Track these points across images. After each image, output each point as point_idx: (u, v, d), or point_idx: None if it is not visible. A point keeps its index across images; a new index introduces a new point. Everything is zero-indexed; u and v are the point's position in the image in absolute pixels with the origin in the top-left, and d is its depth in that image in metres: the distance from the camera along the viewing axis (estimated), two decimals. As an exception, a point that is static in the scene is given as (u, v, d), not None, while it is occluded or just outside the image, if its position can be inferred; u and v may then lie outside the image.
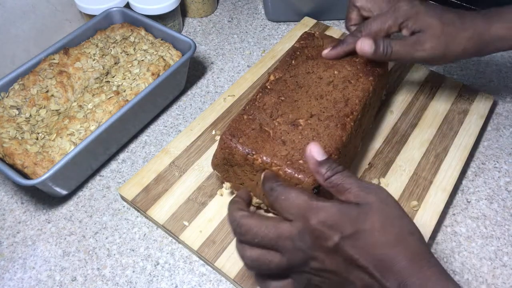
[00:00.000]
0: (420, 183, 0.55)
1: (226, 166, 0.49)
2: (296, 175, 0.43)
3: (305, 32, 0.58)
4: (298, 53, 0.54)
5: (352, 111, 0.48)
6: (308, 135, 0.46)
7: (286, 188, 0.37)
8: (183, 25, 0.81)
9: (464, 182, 0.58)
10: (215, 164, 0.50)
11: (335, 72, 0.52)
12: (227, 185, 0.51)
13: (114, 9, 0.69)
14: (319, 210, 0.34)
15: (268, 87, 0.51)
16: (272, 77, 0.52)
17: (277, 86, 0.51)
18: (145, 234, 0.53)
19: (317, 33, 0.58)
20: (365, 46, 0.50)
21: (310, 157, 0.38)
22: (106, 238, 0.53)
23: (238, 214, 0.37)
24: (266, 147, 0.45)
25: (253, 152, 0.45)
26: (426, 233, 0.50)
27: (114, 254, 0.51)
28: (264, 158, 0.44)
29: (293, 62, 0.53)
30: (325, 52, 0.54)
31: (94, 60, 0.62)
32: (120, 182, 0.58)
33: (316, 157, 0.37)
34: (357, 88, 0.51)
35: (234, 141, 0.46)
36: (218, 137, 0.60)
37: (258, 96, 0.50)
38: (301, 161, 0.44)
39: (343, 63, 0.53)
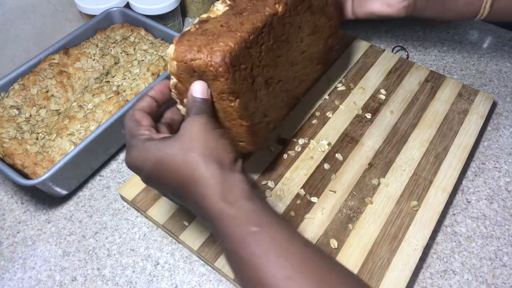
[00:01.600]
0: (420, 183, 0.55)
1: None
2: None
3: None
4: None
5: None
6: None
7: (126, 121, 0.40)
8: (183, 25, 0.81)
9: (464, 182, 0.58)
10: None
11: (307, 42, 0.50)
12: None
13: (114, 9, 0.69)
14: (129, 151, 0.38)
15: (275, 22, 0.45)
16: (280, 7, 0.45)
17: (279, 27, 0.46)
18: (145, 234, 0.53)
19: None
20: None
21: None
22: (106, 238, 0.53)
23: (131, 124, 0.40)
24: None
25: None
26: (426, 233, 0.50)
27: (114, 254, 0.51)
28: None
29: (299, 7, 0.48)
30: None
31: (94, 60, 0.62)
32: (120, 182, 0.58)
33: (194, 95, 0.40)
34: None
35: (231, 70, 0.41)
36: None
37: (265, 30, 0.44)
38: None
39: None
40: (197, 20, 0.43)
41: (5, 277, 0.50)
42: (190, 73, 0.41)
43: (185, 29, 0.42)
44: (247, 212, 0.34)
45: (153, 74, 0.61)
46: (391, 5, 0.55)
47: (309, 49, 0.49)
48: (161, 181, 0.37)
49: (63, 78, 0.59)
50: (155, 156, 0.36)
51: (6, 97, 0.57)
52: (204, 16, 0.43)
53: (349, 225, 0.51)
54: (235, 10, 0.44)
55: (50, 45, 0.63)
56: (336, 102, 0.64)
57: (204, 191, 0.34)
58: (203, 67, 0.40)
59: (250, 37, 0.42)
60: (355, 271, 0.48)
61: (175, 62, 0.41)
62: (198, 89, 0.40)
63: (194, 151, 0.35)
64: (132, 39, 0.66)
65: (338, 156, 0.57)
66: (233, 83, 0.41)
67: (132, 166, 0.39)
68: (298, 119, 0.62)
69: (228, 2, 0.44)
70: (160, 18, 0.73)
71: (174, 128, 0.44)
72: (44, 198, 0.57)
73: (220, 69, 0.40)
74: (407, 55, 0.75)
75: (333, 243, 0.49)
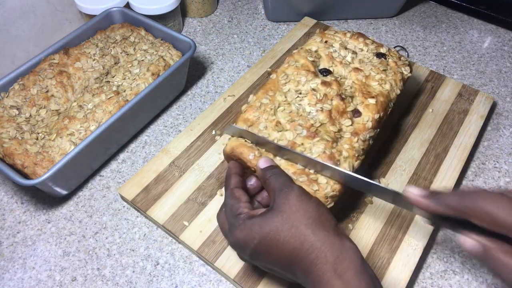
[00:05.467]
0: (420, 183, 0.55)
1: None
2: None
3: None
4: None
5: None
6: None
7: (227, 199, 0.42)
8: (183, 25, 0.81)
9: (464, 182, 0.58)
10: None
11: None
12: None
13: (114, 9, 0.69)
14: (233, 231, 0.39)
15: None
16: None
17: None
18: (145, 234, 0.53)
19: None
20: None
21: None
22: (106, 238, 0.53)
23: (232, 183, 0.44)
24: None
25: None
26: (426, 233, 0.50)
27: (114, 254, 0.51)
28: None
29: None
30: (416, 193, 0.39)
31: (94, 60, 0.62)
32: (120, 182, 0.58)
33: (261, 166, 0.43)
34: None
35: None
36: (218, 137, 0.60)
37: None
38: None
39: None
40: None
41: (5, 277, 0.50)
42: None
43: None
44: None
45: (153, 74, 0.61)
46: None
47: None
48: (268, 256, 0.38)
49: (63, 78, 0.59)
50: (260, 234, 0.37)
51: (6, 97, 0.57)
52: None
53: (349, 225, 0.51)
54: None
55: (50, 45, 0.63)
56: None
57: (315, 260, 0.35)
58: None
59: None
60: (355, 271, 0.48)
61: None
62: (262, 161, 0.43)
63: (299, 223, 0.37)
64: (132, 39, 0.66)
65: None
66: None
67: (237, 245, 0.40)
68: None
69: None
70: (160, 18, 0.73)
71: (252, 192, 0.45)
72: (44, 198, 0.57)
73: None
74: (407, 55, 0.75)
75: (333, 243, 0.49)
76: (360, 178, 0.43)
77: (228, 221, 0.41)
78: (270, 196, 0.41)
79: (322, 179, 0.45)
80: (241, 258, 0.42)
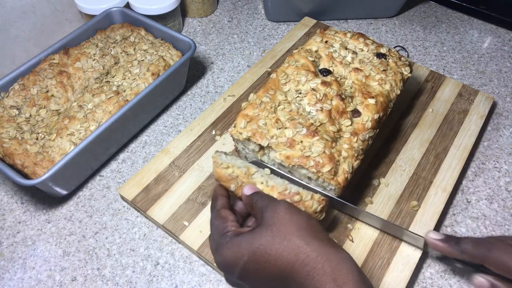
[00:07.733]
0: (420, 183, 0.55)
1: None
2: None
3: None
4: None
5: None
6: None
7: (213, 220, 0.42)
8: (183, 25, 0.81)
9: (464, 182, 0.58)
10: None
11: None
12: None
13: (114, 9, 0.69)
14: (220, 250, 0.38)
15: None
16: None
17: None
18: (145, 234, 0.53)
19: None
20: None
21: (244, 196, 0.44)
22: (106, 238, 0.53)
23: (218, 204, 0.44)
24: None
25: None
26: (426, 233, 0.50)
27: (114, 254, 0.51)
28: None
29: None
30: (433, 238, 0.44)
31: (94, 60, 0.62)
32: (120, 182, 0.58)
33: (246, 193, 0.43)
34: None
35: None
36: (218, 137, 0.60)
37: None
38: None
39: None
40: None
41: (5, 277, 0.50)
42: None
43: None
44: None
45: (153, 74, 0.61)
46: None
47: None
48: (259, 273, 0.36)
49: (63, 78, 0.59)
50: (249, 249, 0.36)
51: (6, 97, 0.57)
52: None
53: (349, 225, 0.51)
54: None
55: (50, 45, 0.63)
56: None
57: (312, 272, 0.34)
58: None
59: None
60: (355, 271, 0.48)
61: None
62: (247, 188, 0.43)
63: (291, 235, 0.35)
64: (132, 39, 0.66)
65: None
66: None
67: (226, 265, 0.38)
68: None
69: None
70: (160, 18, 0.73)
71: (241, 214, 0.45)
72: (44, 198, 0.57)
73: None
74: (407, 55, 0.75)
75: (333, 243, 0.50)
76: (347, 204, 0.46)
77: (215, 241, 0.39)
78: (257, 218, 0.40)
79: (306, 196, 0.44)
80: (229, 281, 0.41)
